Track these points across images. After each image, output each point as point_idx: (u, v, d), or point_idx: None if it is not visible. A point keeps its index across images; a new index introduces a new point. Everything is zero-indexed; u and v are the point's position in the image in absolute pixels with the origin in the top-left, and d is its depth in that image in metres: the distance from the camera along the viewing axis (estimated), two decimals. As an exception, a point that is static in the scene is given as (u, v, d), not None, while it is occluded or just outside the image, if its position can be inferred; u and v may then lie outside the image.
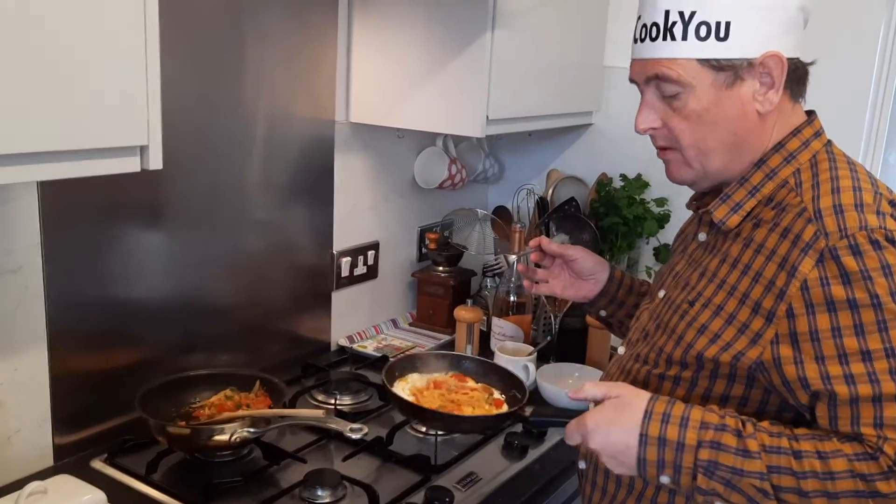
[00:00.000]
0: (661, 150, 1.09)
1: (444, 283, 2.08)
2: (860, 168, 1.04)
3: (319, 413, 1.33)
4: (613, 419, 0.98)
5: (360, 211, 1.97)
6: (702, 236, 1.12)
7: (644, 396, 0.99)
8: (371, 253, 2.01)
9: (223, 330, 1.67)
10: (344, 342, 1.96)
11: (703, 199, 1.14)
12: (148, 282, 1.50)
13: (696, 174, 1.07)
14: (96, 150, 0.96)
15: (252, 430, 1.34)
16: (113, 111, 0.96)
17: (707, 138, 1.03)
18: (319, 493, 1.30)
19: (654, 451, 0.95)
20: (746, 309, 0.98)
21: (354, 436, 1.26)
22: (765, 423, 0.95)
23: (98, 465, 1.38)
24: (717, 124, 1.02)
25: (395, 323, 2.13)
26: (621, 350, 1.21)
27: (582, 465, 1.20)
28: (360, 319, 2.03)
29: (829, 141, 1.08)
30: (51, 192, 1.31)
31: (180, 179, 1.50)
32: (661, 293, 1.15)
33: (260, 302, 1.75)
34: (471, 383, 1.46)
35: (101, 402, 1.45)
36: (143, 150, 1.01)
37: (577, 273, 1.36)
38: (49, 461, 1.38)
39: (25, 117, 0.88)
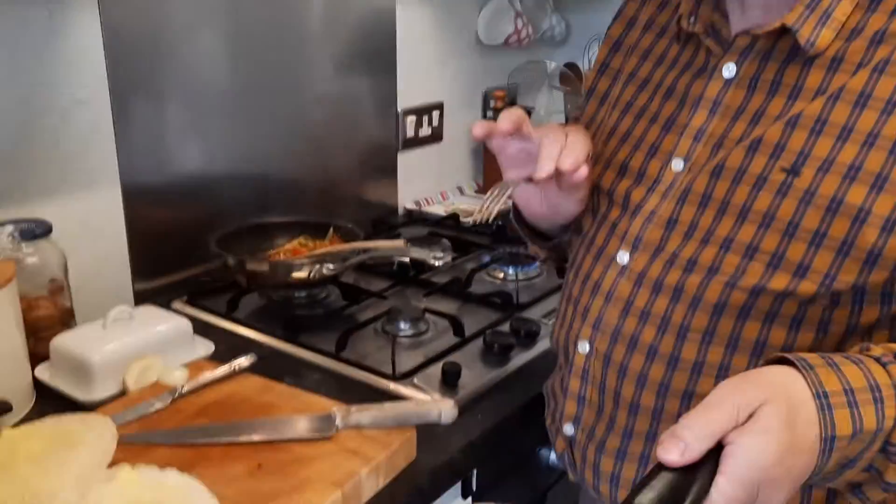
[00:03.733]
0: None
1: (512, 146, 2.00)
2: None
3: (399, 243, 1.29)
4: (789, 464, 0.60)
5: (423, 71, 1.89)
6: (729, 70, 0.80)
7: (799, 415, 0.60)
8: (436, 113, 1.93)
9: (293, 193, 1.64)
10: (412, 206, 1.92)
11: (700, 12, 0.82)
12: (218, 139, 1.47)
13: None
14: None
15: (331, 266, 1.31)
16: None
17: None
18: (401, 325, 1.27)
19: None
20: None
21: (437, 263, 1.22)
22: None
23: (179, 305, 1.37)
24: None
25: (461, 190, 2.08)
26: (624, 258, 0.84)
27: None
28: (426, 184, 1.98)
29: None
30: (114, 23, 1.26)
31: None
32: (679, 163, 0.81)
33: (328, 166, 1.70)
34: None
35: (177, 251, 1.44)
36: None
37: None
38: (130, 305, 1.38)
39: None
